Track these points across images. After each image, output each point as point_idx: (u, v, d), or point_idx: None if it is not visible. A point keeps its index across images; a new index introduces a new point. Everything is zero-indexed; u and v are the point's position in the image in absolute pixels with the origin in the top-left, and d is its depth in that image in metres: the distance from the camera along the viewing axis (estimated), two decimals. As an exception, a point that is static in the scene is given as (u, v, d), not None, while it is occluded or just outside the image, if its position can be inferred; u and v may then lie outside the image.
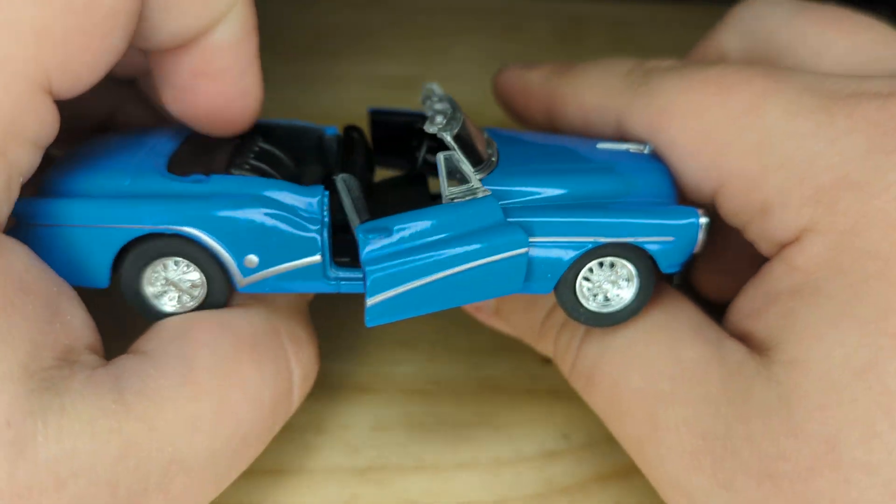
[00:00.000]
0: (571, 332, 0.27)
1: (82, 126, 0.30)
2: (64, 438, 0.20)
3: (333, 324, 0.33)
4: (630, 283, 0.25)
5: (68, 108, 0.23)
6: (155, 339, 0.24)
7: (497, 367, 0.32)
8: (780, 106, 0.24)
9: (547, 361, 0.32)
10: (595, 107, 0.29)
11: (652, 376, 0.24)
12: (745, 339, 0.24)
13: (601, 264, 0.25)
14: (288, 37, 0.50)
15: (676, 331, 0.25)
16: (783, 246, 0.24)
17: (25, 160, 0.21)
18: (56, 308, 0.22)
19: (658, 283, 0.26)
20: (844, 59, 0.26)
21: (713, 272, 0.32)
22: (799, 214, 0.23)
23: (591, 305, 0.25)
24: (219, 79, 0.25)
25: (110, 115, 0.31)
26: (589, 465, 0.29)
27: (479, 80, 0.41)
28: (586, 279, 0.25)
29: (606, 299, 0.25)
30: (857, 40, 0.27)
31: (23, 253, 0.22)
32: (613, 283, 0.25)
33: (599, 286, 0.25)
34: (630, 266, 0.25)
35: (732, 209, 0.25)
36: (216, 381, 0.23)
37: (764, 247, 0.25)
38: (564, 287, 0.25)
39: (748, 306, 0.24)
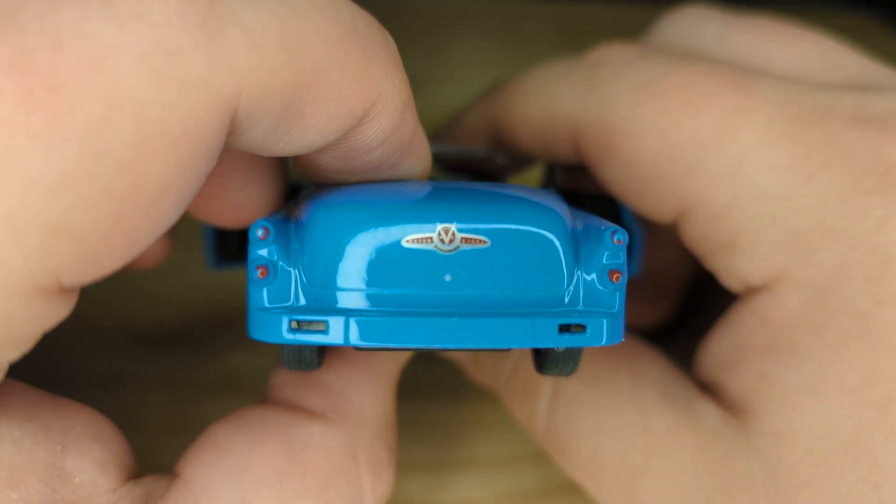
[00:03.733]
0: (533, 403, 0.25)
1: None
2: None
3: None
4: None
5: None
6: (206, 464, 0.19)
7: (496, 366, 0.32)
8: (753, 130, 0.21)
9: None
10: (544, 124, 0.25)
11: (623, 450, 0.23)
12: (717, 390, 0.23)
13: None
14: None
15: (644, 397, 0.23)
16: (751, 289, 0.22)
17: (15, 354, 0.16)
18: (59, 474, 0.18)
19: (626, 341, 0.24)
20: (791, 73, 0.24)
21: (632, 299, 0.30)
22: (771, 260, 0.21)
23: None
24: (370, 173, 0.20)
25: None
26: (587, 464, 0.29)
27: (479, 81, 0.41)
28: None
29: None
30: (802, 52, 0.25)
31: (14, 426, 0.17)
32: None
33: None
34: None
35: (695, 237, 0.23)
36: None
37: (728, 281, 0.23)
38: None
39: (719, 356, 0.23)
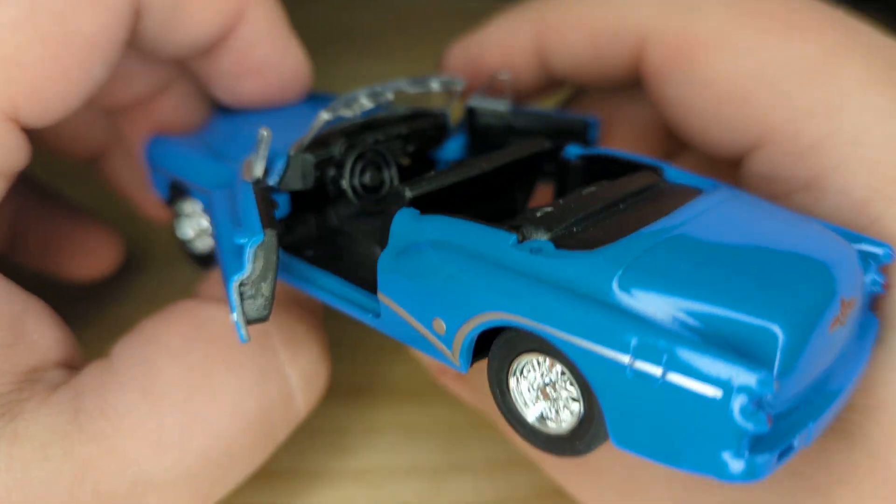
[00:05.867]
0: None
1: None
2: (15, 466, 0.19)
3: (328, 325, 0.33)
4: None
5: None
6: (126, 343, 0.22)
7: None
8: (855, 69, 0.21)
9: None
10: (605, 28, 0.24)
11: None
12: None
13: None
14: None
15: None
16: None
17: None
18: (20, 329, 0.20)
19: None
20: None
21: None
22: (861, 206, 0.20)
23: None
24: (261, 73, 0.25)
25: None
26: (582, 468, 0.29)
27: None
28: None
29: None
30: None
31: None
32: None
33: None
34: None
35: (770, 173, 0.22)
36: (182, 393, 0.21)
37: None
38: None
39: None
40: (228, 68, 0.24)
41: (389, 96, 0.23)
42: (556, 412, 0.17)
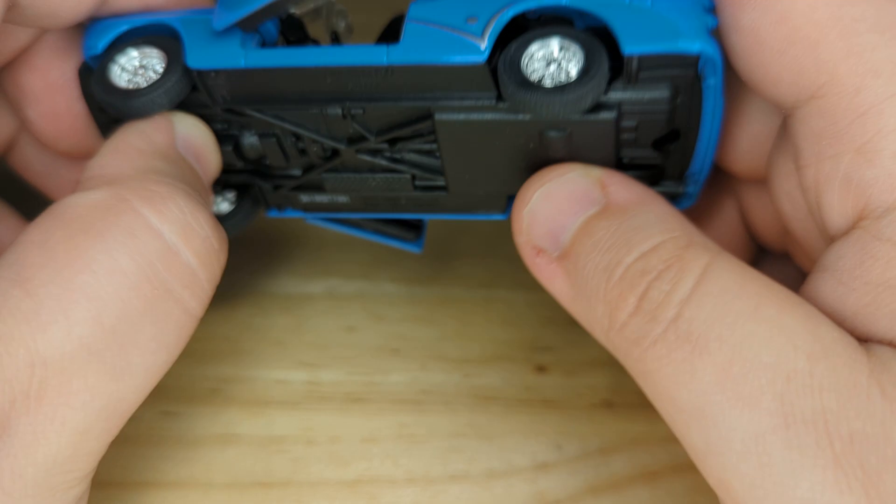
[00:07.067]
0: (675, 279, 0.21)
1: None
2: None
3: (323, 333, 0.33)
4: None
5: None
6: None
7: (489, 377, 0.32)
8: None
9: (541, 370, 0.32)
10: None
11: (786, 350, 0.19)
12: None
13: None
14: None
15: (810, 306, 0.20)
16: (868, 212, 0.20)
17: None
18: None
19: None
20: None
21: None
22: None
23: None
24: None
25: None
26: (582, 477, 0.29)
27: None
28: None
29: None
30: None
31: None
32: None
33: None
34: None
35: (822, 128, 0.21)
36: (50, 270, 0.21)
37: (837, 196, 0.21)
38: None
39: (851, 303, 0.21)
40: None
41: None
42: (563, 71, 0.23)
